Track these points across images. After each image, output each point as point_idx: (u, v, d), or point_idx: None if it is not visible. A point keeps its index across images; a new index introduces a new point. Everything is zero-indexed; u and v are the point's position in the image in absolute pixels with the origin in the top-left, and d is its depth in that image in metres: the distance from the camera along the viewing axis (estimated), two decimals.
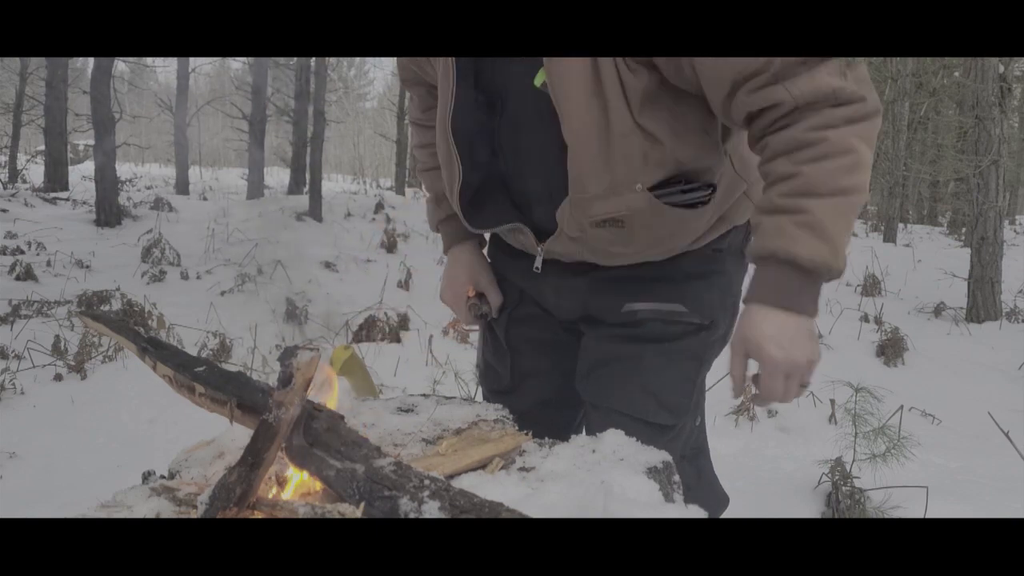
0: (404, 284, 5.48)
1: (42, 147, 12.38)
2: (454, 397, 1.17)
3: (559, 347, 1.30)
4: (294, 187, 12.54)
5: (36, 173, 13.29)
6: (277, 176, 18.79)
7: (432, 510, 0.66)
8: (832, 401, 3.05)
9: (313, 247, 6.79)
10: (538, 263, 1.20)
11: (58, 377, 3.28)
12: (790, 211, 0.92)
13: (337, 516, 0.69)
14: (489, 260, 1.36)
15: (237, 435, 0.91)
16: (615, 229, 1.08)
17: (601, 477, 0.84)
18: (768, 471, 2.62)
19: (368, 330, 4.10)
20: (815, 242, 0.91)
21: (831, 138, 0.91)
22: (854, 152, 0.91)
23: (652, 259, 1.16)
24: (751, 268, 1.02)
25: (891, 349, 4.18)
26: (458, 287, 1.32)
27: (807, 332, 0.96)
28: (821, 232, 0.91)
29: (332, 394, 0.93)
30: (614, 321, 1.19)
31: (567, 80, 0.98)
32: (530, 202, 1.16)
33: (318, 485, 0.79)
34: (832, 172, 0.91)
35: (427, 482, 0.70)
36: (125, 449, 2.63)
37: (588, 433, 1.11)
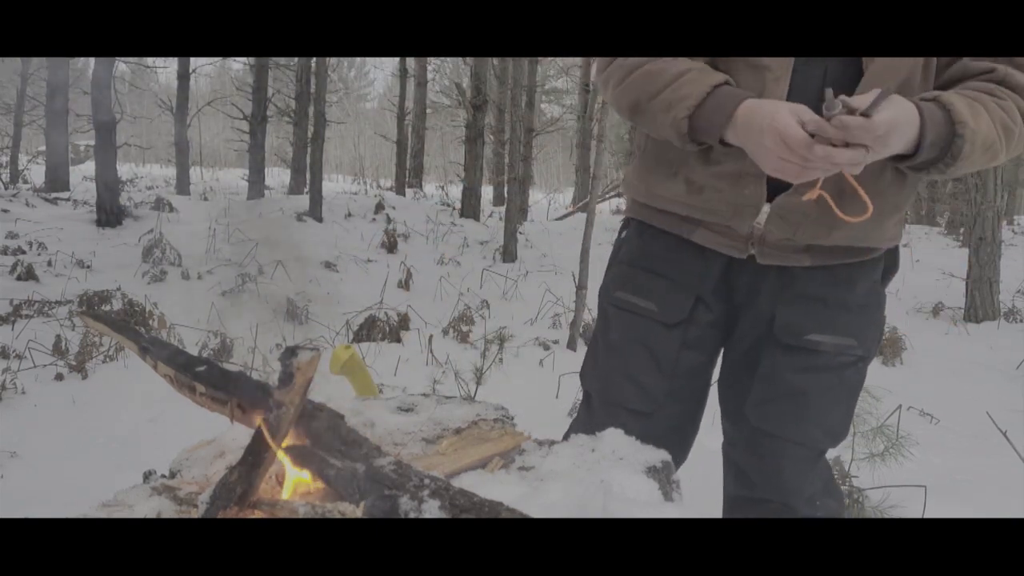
0: (404, 284, 5.48)
1: (43, 147, 12.39)
2: (454, 397, 1.17)
3: (709, 375, 1.34)
4: (294, 187, 12.54)
5: (37, 173, 13.29)
6: (277, 176, 18.77)
7: (432, 509, 0.66)
8: None
9: (314, 247, 6.79)
10: (761, 219, 1.14)
11: (59, 377, 3.28)
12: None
13: (337, 516, 0.69)
14: (651, 263, 1.29)
15: (237, 435, 0.91)
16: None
17: (601, 476, 0.84)
18: None
19: (368, 330, 4.10)
20: (973, 126, 0.99)
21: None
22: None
23: (858, 244, 1.19)
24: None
25: (890, 349, 4.19)
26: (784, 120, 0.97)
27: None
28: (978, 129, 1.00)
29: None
30: (794, 345, 1.23)
31: None
32: None
33: (318, 485, 0.79)
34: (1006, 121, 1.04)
35: (427, 481, 0.70)
36: (125, 449, 2.64)
37: (749, 454, 1.29)
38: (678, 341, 1.28)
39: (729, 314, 1.30)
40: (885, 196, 1.14)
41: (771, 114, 0.97)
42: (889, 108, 0.94)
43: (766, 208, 1.14)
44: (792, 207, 1.13)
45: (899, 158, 1.03)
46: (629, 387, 1.29)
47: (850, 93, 0.97)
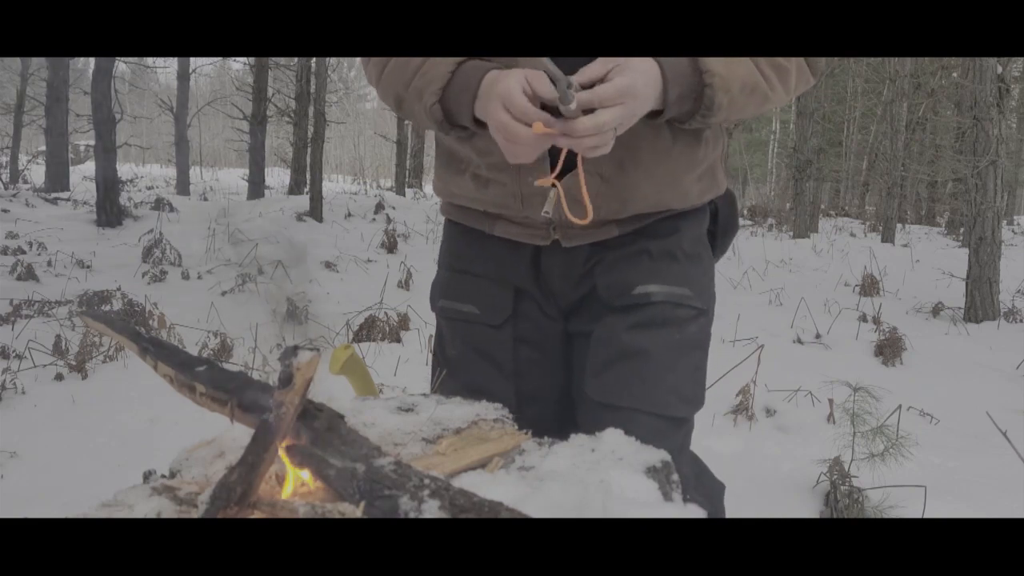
0: (404, 284, 5.48)
1: (43, 148, 12.39)
2: (454, 397, 1.17)
3: (557, 365, 1.25)
4: (294, 187, 12.55)
5: (37, 173, 13.30)
6: (277, 176, 18.79)
7: (432, 509, 0.66)
8: (830, 401, 3.06)
9: (314, 247, 6.79)
10: (548, 207, 1.07)
11: (59, 377, 3.28)
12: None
13: (337, 516, 0.69)
14: (465, 264, 1.24)
15: (237, 435, 0.91)
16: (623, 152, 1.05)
17: (601, 477, 0.84)
18: (766, 471, 2.62)
19: (368, 330, 4.11)
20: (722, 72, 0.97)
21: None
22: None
23: (658, 209, 1.14)
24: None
25: (889, 349, 4.19)
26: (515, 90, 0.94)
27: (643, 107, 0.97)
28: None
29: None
30: (624, 303, 1.15)
31: None
32: None
33: (318, 485, 0.79)
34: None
35: (427, 481, 0.70)
36: (125, 449, 2.64)
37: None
38: (509, 340, 1.21)
39: (555, 300, 1.22)
40: (671, 155, 1.10)
41: (502, 80, 0.93)
42: (625, 73, 0.90)
43: (552, 194, 1.08)
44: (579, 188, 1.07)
45: (654, 115, 1.00)
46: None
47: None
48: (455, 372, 1.25)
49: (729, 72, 0.97)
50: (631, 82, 0.91)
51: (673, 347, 1.15)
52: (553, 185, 1.02)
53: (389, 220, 8.86)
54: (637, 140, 1.04)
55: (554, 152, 1.02)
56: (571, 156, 1.00)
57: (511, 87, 0.91)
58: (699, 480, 1.27)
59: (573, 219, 1.02)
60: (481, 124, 1.02)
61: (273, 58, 12.23)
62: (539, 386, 1.24)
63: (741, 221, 12.39)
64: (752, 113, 1.09)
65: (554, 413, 1.24)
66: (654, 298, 1.15)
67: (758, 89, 1.02)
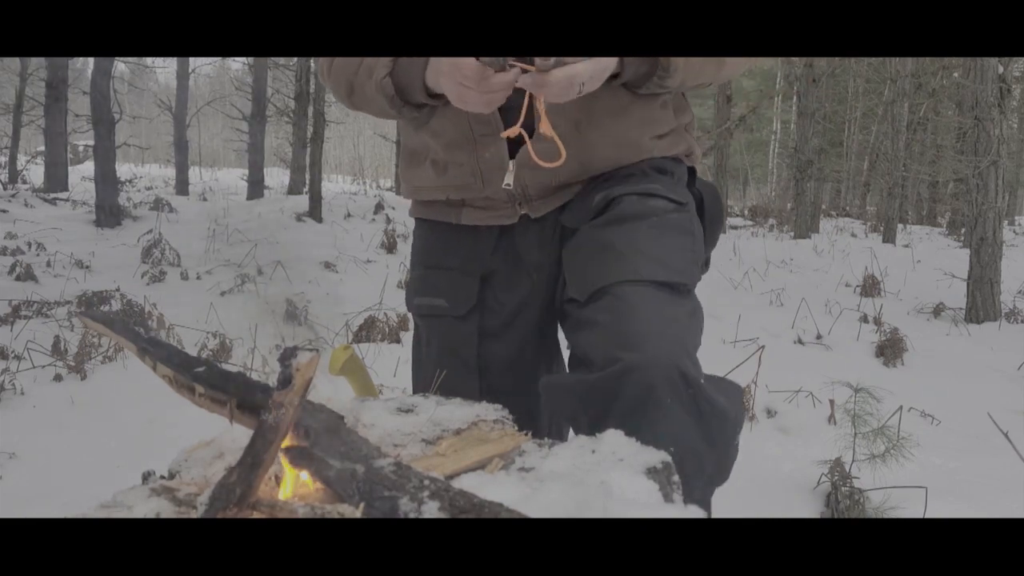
0: (404, 284, 5.48)
1: (42, 148, 12.39)
2: (454, 398, 1.17)
3: (526, 359, 1.22)
4: (294, 188, 12.55)
5: (36, 174, 13.29)
6: (277, 177, 18.78)
7: (432, 510, 0.66)
8: (831, 401, 3.05)
9: (313, 248, 6.79)
10: (508, 180, 1.09)
11: (58, 377, 3.28)
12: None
13: (337, 516, 0.69)
14: (436, 259, 1.23)
15: (237, 435, 0.91)
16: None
17: (601, 478, 0.84)
18: (767, 471, 2.61)
19: (368, 330, 4.10)
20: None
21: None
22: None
23: (620, 165, 1.12)
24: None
25: (890, 349, 4.18)
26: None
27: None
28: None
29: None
30: (589, 216, 1.10)
31: None
32: None
33: (317, 486, 0.79)
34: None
35: (427, 482, 0.70)
36: (125, 449, 2.63)
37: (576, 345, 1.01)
38: (474, 334, 1.18)
39: (533, 277, 1.18)
40: (628, 114, 1.10)
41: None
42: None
43: (511, 165, 1.09)
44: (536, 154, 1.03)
45: (611, 77, 1.01)
46: None
47: None
48: (427, 369, 1.24)
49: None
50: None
51: (650, 228, 1.06)
52: (520, 134, 1.01)
53: (388, 220, 8.86)
54: (592, 101, 1.03)
55: (506, 113, 1.02)
56: (529, 116, 0.99)
57: (461, 58, 0.92)
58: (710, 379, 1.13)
59: (545, 164, 1.01)
60: (434, 96, 1.02)
61: (272, 58, 12.23)
62: (504, 382, 1.20)
63: (742, 221, 12.38)
64: (709, 78, 1.08)
65: (524, 410, 1.14)
66: (614, 193, 1.09)
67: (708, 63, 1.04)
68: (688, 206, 1.13)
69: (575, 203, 1.14)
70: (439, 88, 1.00)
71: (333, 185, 21.27)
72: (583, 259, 1.07)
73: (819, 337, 4.54)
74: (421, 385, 1.27)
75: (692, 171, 1.22)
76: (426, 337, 1.27)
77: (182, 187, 14.24)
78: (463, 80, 0.92)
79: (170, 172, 18.08)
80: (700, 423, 0.95)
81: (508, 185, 1.10)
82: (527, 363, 1.23)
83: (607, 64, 0.97)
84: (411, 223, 1.34)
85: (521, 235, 1.17)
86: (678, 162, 1.19)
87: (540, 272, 1.18)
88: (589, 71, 0.93)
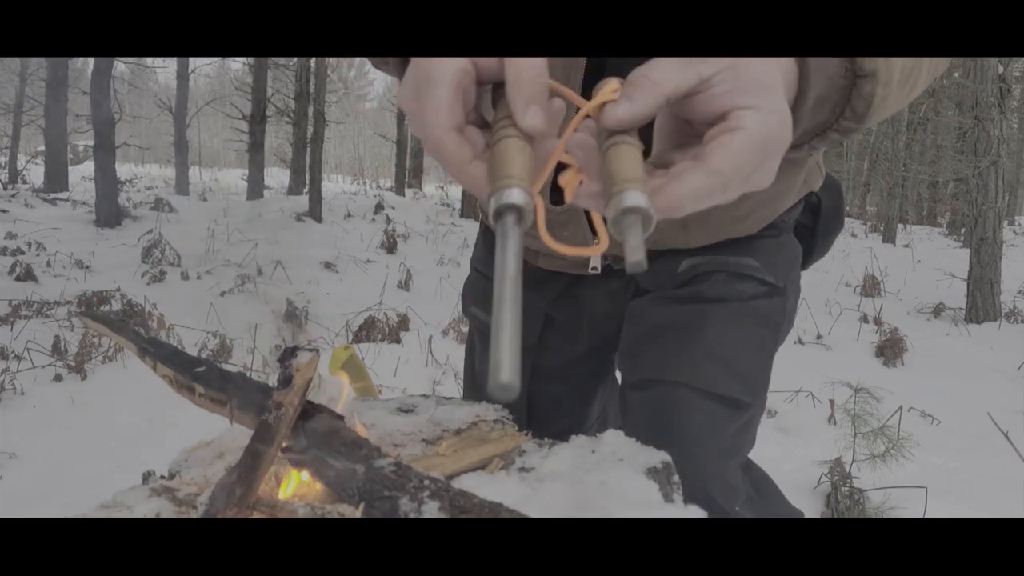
0: (404, 284, 5.48)
1: (42, 148, 12.39)
2: (454, 397, 1.17)
3: (572, 401, 1.15)
4: (294, 188, 12.56)
5: (36, 174, 13.30)
6: (277, 177, 18.79)
7: (432, 510, 0.66)
8: (831, 401, 3.05)
9: (313, 248, 6.79)
10: (595, 263, 0.93)
11: (58, 377, 3.28)
12: None
13: (337, 516, 0.69)
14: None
15: (237, 435, 0.91)
16: None
17: (601, 478, 0.84)
18: (767, 471, 2.62)
19: (368, 330, 4.10)
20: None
21: None
22: None
23: (728, 236, 0.91)
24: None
25: (890, 349, 4.19)
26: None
27: None
28: None
29: (340, 400, 0.93)
30: (670, 283, 0.95)
31: None
32: None
33: (317, 486, 0.79)
34: None
35: (427, 482, 0.70)
36: (125, 449, 2.63)
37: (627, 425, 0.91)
38: (527, 369, 1.07)
39: (589, 331, 1.07)
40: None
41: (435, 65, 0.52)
42: (748, 92, 0.50)
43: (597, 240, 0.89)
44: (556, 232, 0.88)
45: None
46: None
47: None
48: (478, 387, 1.20)
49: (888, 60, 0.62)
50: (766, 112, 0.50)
51: (727, 319, 0.91)
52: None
53: (389, 220, 8.87)
54: None
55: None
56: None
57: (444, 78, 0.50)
58: (760, 492, 1.06)
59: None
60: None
61: (272, 58, 12.24)
62: (546, 412, 1.14)
63: None
64: (896, 109, 0.71)
65: (555, 432, 1.15)
66: (702, 268, 0.92)
67: (913, 73, 0.68)
68: (783, 290, 0.96)
69: (659, 262, 0.95)
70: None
71: (333, 185, 21.28)
72: (642, 334, 0.96)
73: (819, 337, 4.54)
74: (472, 394, 1.20)
75: (806, 197, 1.02)
76: (479, 349, 1.20)
77: (182, 187, 14.25)
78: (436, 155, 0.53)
79: (170, 172, 18.08)
80: None
81: (595, 269, 0.95)
82: (575, 401, 1.17)
83: (777, 147, 0.50)
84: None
85: (590, 287, 1.06)
86: (790, 209, 1.00)
87: (608, 321, 1.06)
88: (743, 165, 0.48)
